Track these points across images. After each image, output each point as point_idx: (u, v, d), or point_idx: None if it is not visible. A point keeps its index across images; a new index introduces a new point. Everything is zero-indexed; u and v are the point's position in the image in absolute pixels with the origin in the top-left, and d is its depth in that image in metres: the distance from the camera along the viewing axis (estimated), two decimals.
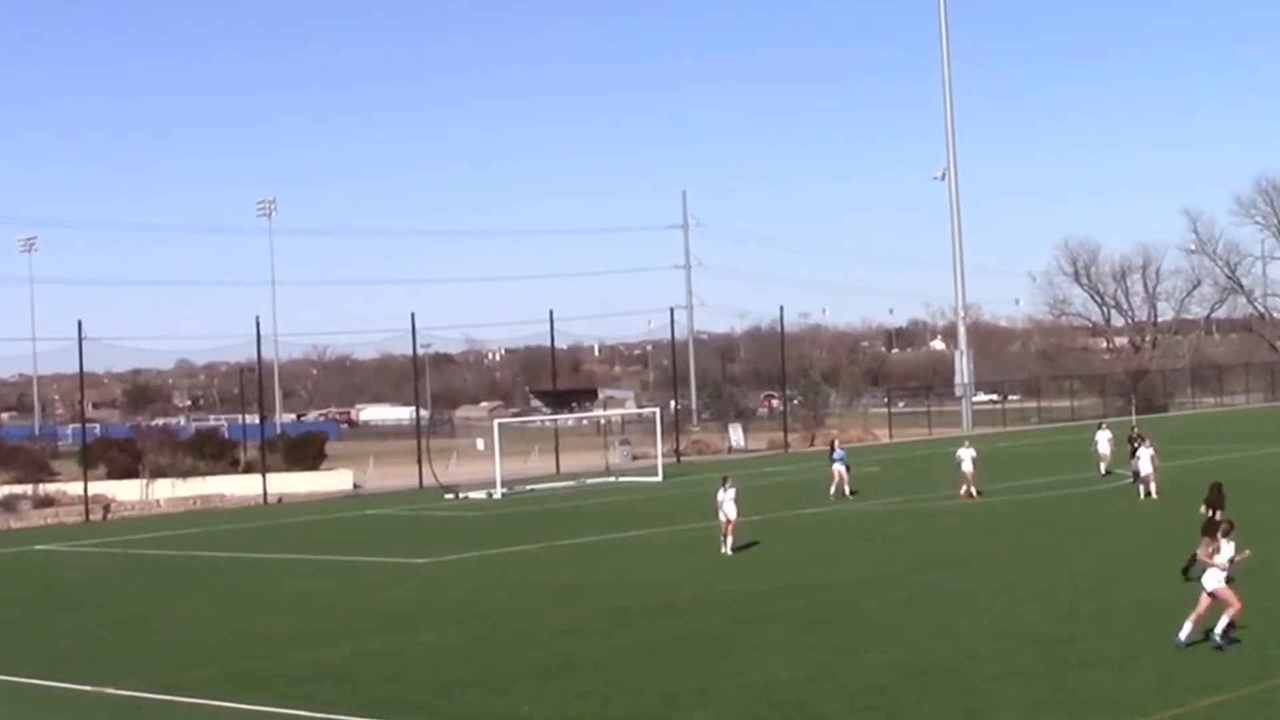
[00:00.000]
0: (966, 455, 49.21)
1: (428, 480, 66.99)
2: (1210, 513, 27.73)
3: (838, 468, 51.76)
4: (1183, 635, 22.75)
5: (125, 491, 66.48)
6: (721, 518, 37.45)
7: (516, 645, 26.54)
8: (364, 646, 27.15)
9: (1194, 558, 27.87)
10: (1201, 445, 65.61)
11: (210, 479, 68.62)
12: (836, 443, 57.27)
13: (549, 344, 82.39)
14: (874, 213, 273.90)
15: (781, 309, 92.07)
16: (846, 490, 51.18)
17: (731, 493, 37.55)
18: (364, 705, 22.29)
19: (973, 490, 48.63)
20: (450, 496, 60.85)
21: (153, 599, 36.14)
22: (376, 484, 71.51)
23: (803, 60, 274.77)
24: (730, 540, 37.26)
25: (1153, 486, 45.08)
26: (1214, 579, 22.74)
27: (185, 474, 68.86)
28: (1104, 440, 53.39)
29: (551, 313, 78.35)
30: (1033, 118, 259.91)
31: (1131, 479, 47.42)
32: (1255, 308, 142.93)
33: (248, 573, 40.41)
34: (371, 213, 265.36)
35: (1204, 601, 22.79)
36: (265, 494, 65.23)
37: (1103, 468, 52.70)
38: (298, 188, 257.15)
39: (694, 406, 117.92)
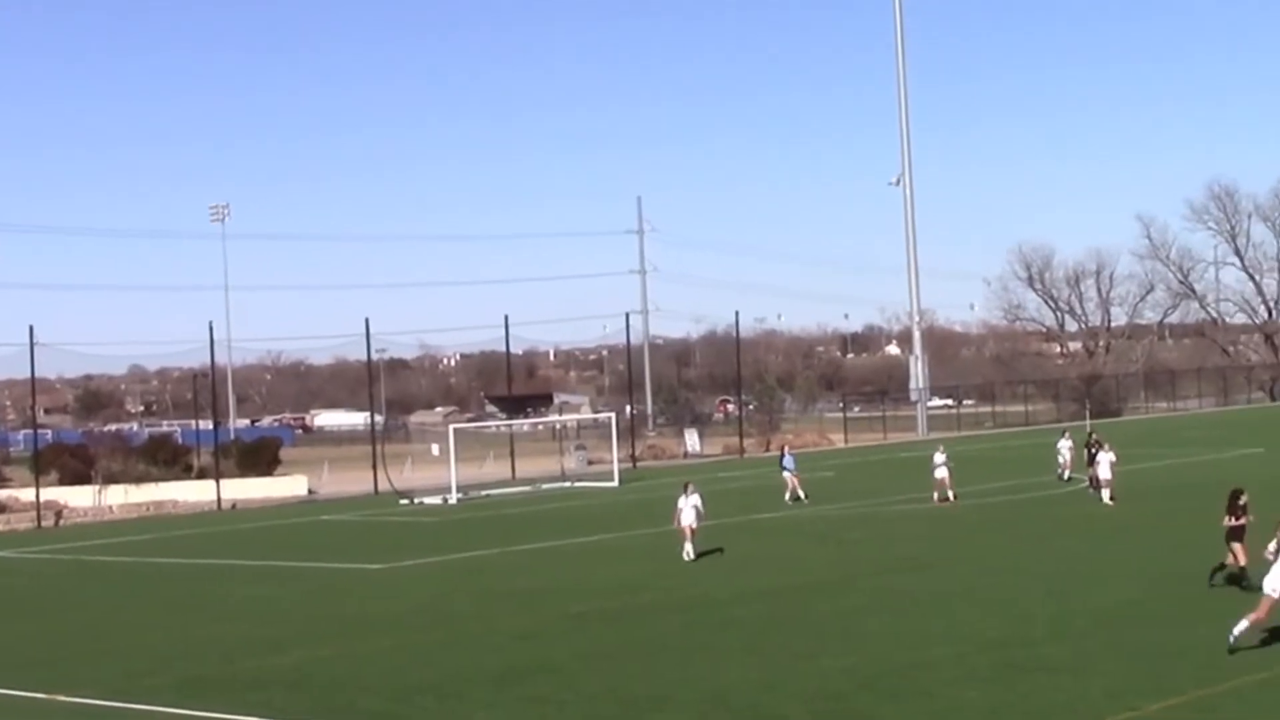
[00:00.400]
0: (941, 460, 48.96)
1: (383, 486, 66.74)
2: (1232, 520, 27.58)
3: (788, 473, 52.36)
4: (1235, 634, 22.43)
5: (77, 498, 66.06)
6: (681, 523, 37.15)
7: (473, 651, 26.45)
8: (318, 652, 27.01)
9: (1222, 565, 28.00)
10: (1157, 449, 65.97)
11: (163, 485, 68.23)
12: (787, 449, 57.47)
13: (504, 349, 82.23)
14: (829, 218, 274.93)
15: (737, 314, 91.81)
16: (801, 495, 51.40)
17: (694, 499, 37.17)
18: (318, 711, 22.18)
19: (948, 495, 48.51)
20: (405, 502, 60.66)
21: (105, 606, 35.89)
22: (331, 489, 71.22)
23: (759, 66, 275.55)
24: (688, 546, 36.88)
25: (1108, 493, 44.98)
26: (1274, 582, 22.56)
27: (138, 480, 68.48)
28: (1065, 448, 53.38)
29: (506, 318, 78.34)
30: (987, 124, 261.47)
31: (1089, 484, 47.48)
32: (1208, 313, 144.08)
33: (201, 579, 40.16)
34: (326, 218, 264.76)
35: (1266, 603, 22.63)
36: (219, 500, 64.84)
37: (1065, 474, 52.80)
38: (252, 192, 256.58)
39: (649, 412, 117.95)
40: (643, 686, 22.68)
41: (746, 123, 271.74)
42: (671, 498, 38.88)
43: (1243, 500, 27.96)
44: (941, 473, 48.69)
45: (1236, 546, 27.64)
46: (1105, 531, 39.62)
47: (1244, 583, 27.26)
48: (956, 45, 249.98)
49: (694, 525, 36.99)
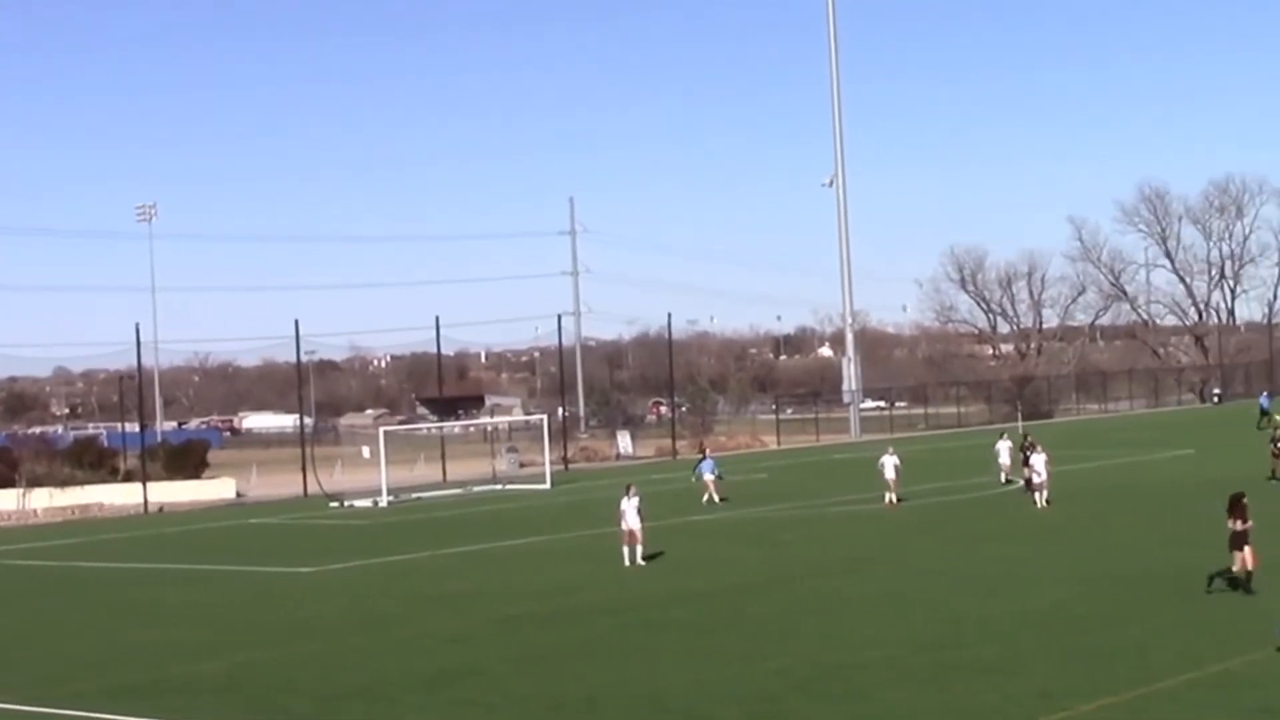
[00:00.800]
0: (889, 462, 48.58)
1: (312, 489, 66.27)
2: (1239, 524, 27.27)
3: (708, 477, 52.84)
4: None
5: (1, 501, 65.18)
6: (624, 527, 36.58)
7: (403, 654, 26.21)
8: (247, 657, 26.69)
9: (1227, 570, 27.68)
10: (1088, 451, 66.35)
11: (89, 488, 67.46)
12: (707, 451, 57.74)
13: (435, 351, 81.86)
14: (762, 219, 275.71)
15: (669, 316, 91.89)
16: (715, 498, 51.32)
17: (635, 501, 36.62)
18: (248, 717, 21.92)
19: (893, 497, 48.27)
20: (335, 505, 60.24)
21: (28, 611, 35.39)
22: (260, 493, 70.65)
23: (692, 67, 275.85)
24: (629, 550, 36.21)
25: (1043, 495, 44.85)
26: None
27: (63, 483, 67.68)
28: (1004, 450, 52.84)
29: (438, 319, 78.11)
30: (920, 126, 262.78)
31: (1024, 486, 47.43)
32: (1139, 314, 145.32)
33: (127, 583, 39.66)
34: (255, 218, 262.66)
35: None
36: (146, 503, 64.17)
37: (1002, 476, 52.55)
38: (179, 192, 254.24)
39: (582, 413, 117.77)
40: (575, 689, 22.52)
41: (680, 124, 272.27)
42: (604, 499, 38.69)
43: (1244, 503, 27.57)
44: (889, 474, 48.35)
45: (1245, 551, 27.16)
46: (1038, 533, 39.77)
47: (1246, 588, 27.00)
48: (890, 47, 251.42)
49: (637, 528, 36.44)
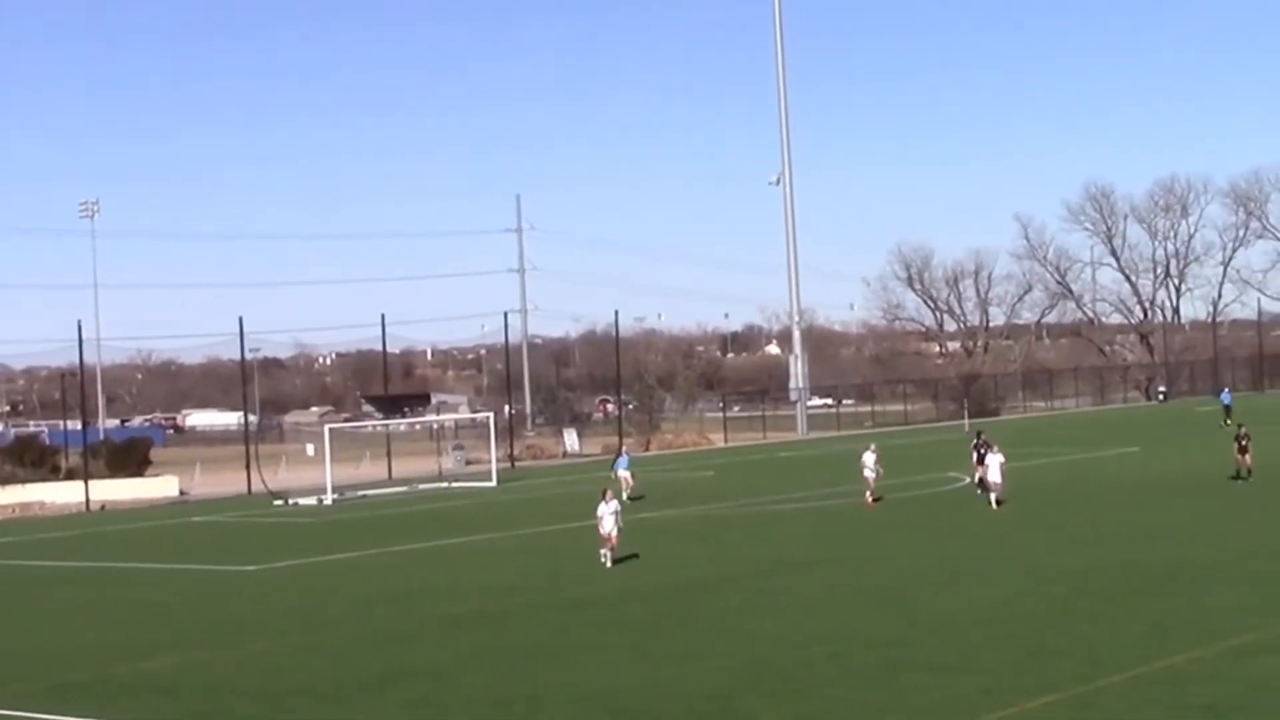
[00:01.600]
0: (869, 459, 47.37)
1: (256, 487, 65.85)
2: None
3: (623, 474, 53.03)
4: None
5: None
6: (602, 531, 35.75)
7: (349, 653, 26.05)
8: (192, 656, 26.46)
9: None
10: (1035, 449, 66.58)
11: (30, 486, 66.84)
12: (624, 448, 57.84)
13: (381, 348, 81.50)
14: (710, 217, 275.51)
15: (616, 313, 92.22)
16: (626, 495, 51.05)
17: (613, 505, 35.98)
18: (192, 716, 21.75)
19: (869, 496, 47.07)
20: (279, 503, 59.88)
21: None
22: (203, 491, 70.16)
23: (640, 64, 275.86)
24: (604, 553, 35.60)
25: (995, 495, 44.46)
26: None
27: (4, 481, 67.08)
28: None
29: (383, 316, 77.75)
30: (868, 124, 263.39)
31: (978, 486, 47.27)
32: (1084, 313, 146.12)
33: (70, 582, 39.27)
34: (199, 215, 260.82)
35: None
36: (88, 501, 63.61)
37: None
38: (123, 188, 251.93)
39: (528, 411, 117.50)
40: (522, 688, 22.42)
41: (628, 121, 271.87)
42: (550, 497, 38.55)
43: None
44: (869, 473, 47.34)
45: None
46: (986, 530, 39.92)
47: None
48: (837, 46, 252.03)
49: (615, 533, 35.70)
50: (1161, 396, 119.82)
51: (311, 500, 59.79)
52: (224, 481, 71.29)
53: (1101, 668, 21.81)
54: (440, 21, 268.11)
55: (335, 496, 60.01)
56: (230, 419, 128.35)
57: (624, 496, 51.25)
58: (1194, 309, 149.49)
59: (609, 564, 35.39)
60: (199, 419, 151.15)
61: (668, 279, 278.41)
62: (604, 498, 36.04)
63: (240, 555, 42.76)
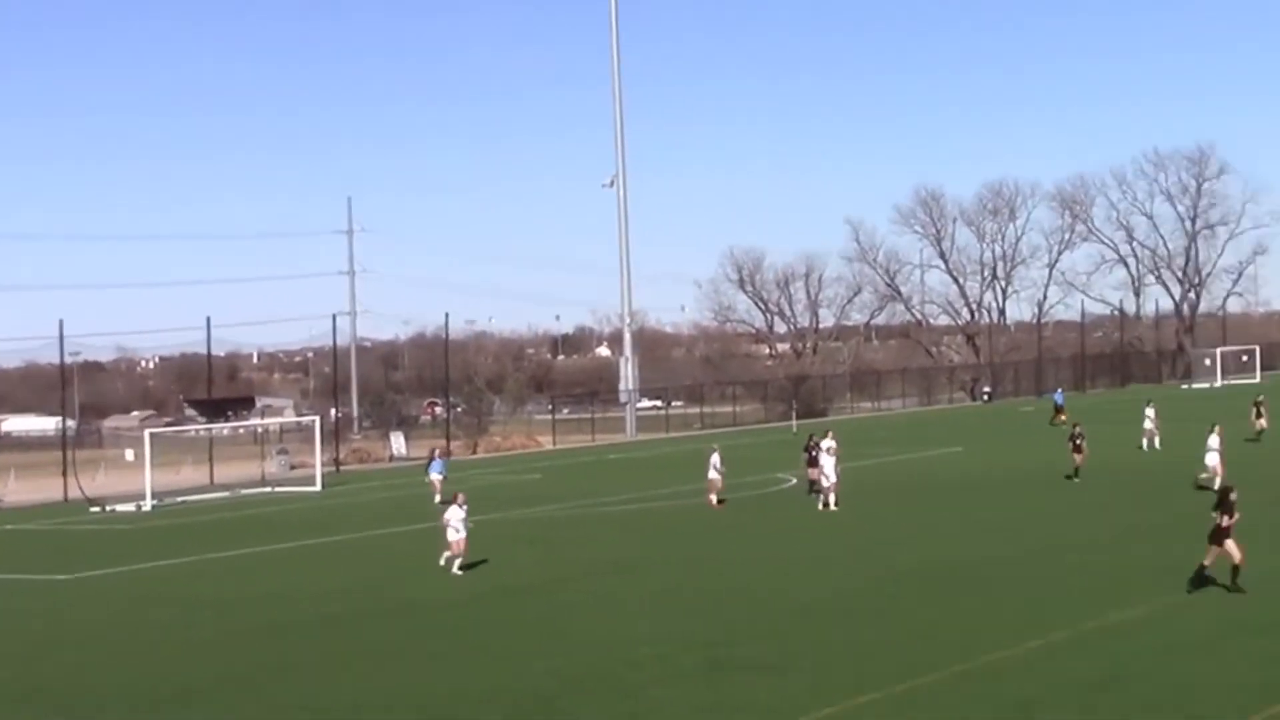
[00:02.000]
0: (714, 460, 46.87)
1: (73, 493, 64.13)
2: (1227, 519, 26.73)
3: (434, 477, 53.23)
4: None
5: None
6: (450, 536, 34.72)
7: (162, 663, 25.29)
8: None
9: (1202, 567, 27.13)
10: (862, 449, 66.99)
11: None
12: (437, 452, 58.05)
13: (205, 351, 79.89)
14: (542, 219, 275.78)
15: (447, 315, 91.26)
16: (439, 498, 50.47)
17: (463, 511, 34.99)
18: None
19: (712, 497, 46.70)
20: (96, 510, 58.31)
21: None
22: (17, 498, 68.12)
23: (473, 65, 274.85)
24: (449, 558, 34.67)
25: (832, 498, 44.24)
26: None
27: None
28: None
29: (209, 319, 76.38)
30: (701, 127, 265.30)
31: (810, 487, 47.30)
32: (913, 314, 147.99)
33: None
34: (17, 215, 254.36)
35: None
36: None
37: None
38: None
39: (355, 414, 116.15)
40: (340, 696, 21.90)
41: (460, 122, 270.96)
42: (375, 501, 37.90)
43: (1233, 497, 26.98)
44: (714, 474, 46.96)
45: (1230, 544, 26.64)
46: (812, 530, 40.05)
47: (1236, 582, 26.39)
48: (671, 48, 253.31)
49: (462, 539, 34.51)
50: (986, 397, 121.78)
51: (130, 507, 58.31)
52: (39, 488, 69.33)
53: (924, 665, 21.84)
54: (271, 20, 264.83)
55: (154, 503, 58.61)
56: (48, 424, 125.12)
57: (436, 500, 50.69)
58: (1020, 310, 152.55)
59: (456, 570, 34.49)
60: (15, 424, 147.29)
61: (500, 281, 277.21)
62: (455, 501, 35.19)
63: (52, 564, 41.46)
